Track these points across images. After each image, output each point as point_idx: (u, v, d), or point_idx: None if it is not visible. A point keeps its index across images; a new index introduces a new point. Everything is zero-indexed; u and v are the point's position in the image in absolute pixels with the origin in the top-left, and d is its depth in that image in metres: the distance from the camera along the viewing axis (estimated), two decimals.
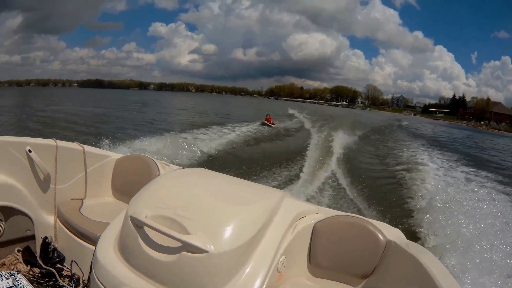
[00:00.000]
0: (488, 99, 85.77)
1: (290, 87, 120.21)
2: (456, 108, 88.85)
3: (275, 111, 32.95)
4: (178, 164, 4.20)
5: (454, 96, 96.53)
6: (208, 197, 1.68)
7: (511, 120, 73.94)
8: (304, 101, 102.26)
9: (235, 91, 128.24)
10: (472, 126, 71.03)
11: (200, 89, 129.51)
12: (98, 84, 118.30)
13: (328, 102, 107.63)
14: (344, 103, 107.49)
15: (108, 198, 3.06)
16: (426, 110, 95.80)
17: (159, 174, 2.71)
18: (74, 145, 2.94)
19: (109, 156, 3.13)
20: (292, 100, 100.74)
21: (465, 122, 77.39)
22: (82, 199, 2.88)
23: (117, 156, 3.15)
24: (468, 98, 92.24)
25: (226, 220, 1.49)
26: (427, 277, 1.45)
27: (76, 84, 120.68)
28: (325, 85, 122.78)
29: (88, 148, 3.00)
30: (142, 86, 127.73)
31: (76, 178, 2.90)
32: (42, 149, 2.68)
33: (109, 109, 32.09)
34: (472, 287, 3.47)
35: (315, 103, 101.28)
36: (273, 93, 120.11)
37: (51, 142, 2.77)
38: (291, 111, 35.26)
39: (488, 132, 60.95)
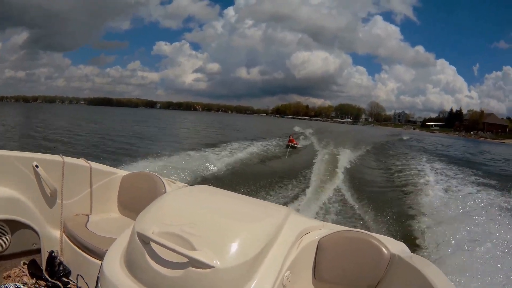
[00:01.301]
0: (482, 111, 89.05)
1: (296, 105, 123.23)
2: (453, 121, 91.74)
3: (283, 128, 35.56)
4: (184, 182, 4.22)
5: (451, 110, 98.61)
6: (214, 214, 1.71)
7: (502, 129, 79.64)
8: (310, 119, 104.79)
9: (241, 110, 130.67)
10: (463, 136, 76.69)
11: (207, 108, 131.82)
12: (106, 102, 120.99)
13: (334, 119, 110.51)
14: (349, 120, 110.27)
15: (114, 214, 3.10)
16: (424, 125, 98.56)
17: (165, 191, 2.76)
18: (81, 161, 2.98)
19: (116, 173, 3.17)
20: (299, 118, 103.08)
21: (457, 133, 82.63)
22: (88, 215, 2.92)
23: (124, 173, 3.19)
24: (465, 111, 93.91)
25: (232, 237, 1.52)
26: None
27: (83, 102, 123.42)
28: (328, 102, 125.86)
29: (94, 164, 3.03)
30: (149, 104, 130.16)
31: (83, 193, 2.94)
32: (49, 165, 2.73)
33: (123, 126, 33.89)
34: None
35: (321, 120, 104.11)
36: (279, 111, 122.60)
37: (58, 158, 2.82)
38: (297, 129, 35.59)
39: (476, 140, 67.61)
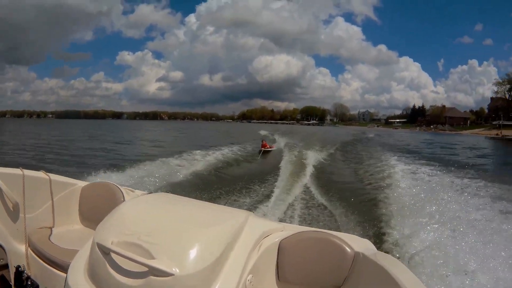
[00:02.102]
0: (443, 105, 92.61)
1: (261, 110, 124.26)
2: (416, 117, 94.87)
3: (251, 132, 36.85)
4: (146, 190, 4.23)
5: (414, 106, 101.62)
6: (172, 221, 1.72)
7: (464, 121, 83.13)
8: (277, 123, 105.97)
9: (206, 117, 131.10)
10: (423, 130, 79.93)
11: (173, 116, 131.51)
12: (74, 115, 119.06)
13: (300, 122, 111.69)
14: (314, 121, 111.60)
15: (77, 225, 3.09)
16: (387, 122, 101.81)
17: (123, 200, 2.75)
18: (40, 174, 2.96)
19: (75, 184, 3.16)
20: (265, 122, 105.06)
21: (418, 128, 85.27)
22: (51, 227, 2.91)
23: (83, 184, 3.18)
24: (432, 106, 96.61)
25: (190, 243, 1.52)
26: (396, 286, 1.46)
27: (51, 116, 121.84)
28: (293, 105, 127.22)
29: (54, 176, 3.02)
30: (116, 115, 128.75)
31: (44, 206, 2.93)
32: (9, 179, 2.70)
33: (93, 138, 33.22)
34: None
35: (287, 123, 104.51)
36: (245, 116, 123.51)
37: (17, 171, 2.80)
38: (263, 132, 36.29)
39: (435, 133, 71.83)
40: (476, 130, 67.52)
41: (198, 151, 16.59)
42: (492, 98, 75.06)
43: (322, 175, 11.97)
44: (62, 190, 3.04)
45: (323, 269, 1.91)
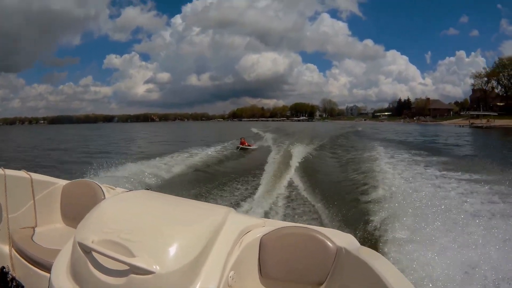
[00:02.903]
0: (427, 98, 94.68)
1: (251, 108, 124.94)
2: (402, 109, 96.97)
3: (243, 129, 37.40)
4: (127, 189, 4.39)
5: (399, 99, 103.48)
6: (152, 219, 1.73)
7: (448, 113, 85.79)
8: (267, 120, 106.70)
9: (197, 117, 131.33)
10: (407, 122, 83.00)
11: (164, 117, 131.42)
12: (66, 120, 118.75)
13: (290, 118, 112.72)
14: (304, 117, 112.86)
15: (59, 224, 3.08)
16: (374, 115, 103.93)
17: (104, 198, 2.77)
18: (21, 173, 2.96)
19: (56, 182, 3.16)
20: (256, 120, 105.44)
21: (402, 120, 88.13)
22: (33, 227, 2.90)
23: (64, 182, 3.18)
24: (419, 98, 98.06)
25: (171, 240, 1.53)
26: (379, 281, 1.47)
27: (43, 122, 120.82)
28: (281, 102, 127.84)
29: (35, 175, 3.03)
30: (107, 119, 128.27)
31: (27, 206, 2.93)
32: None
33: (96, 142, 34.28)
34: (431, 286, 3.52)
35: (278, 120, 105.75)
36: (235, 115, 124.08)
37: None
38: (255, 130, 37.14)
39: (418, 124, 74.78)
40: (454, 120, 70.17)
41: (185, 149, 16.89)
42: (473, 90, 77.16)
43: (307, 170, 11.99)
44: (43, 189, 3.03)
45: (305, 264, 1.92)
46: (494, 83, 72.67)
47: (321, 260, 1.88)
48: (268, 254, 1.95)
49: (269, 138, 26.25)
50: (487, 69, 74.98)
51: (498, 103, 68.00)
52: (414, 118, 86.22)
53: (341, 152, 18.50)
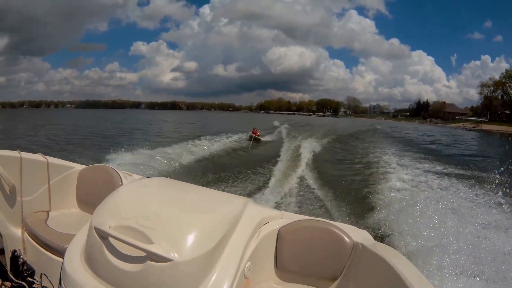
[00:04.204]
0: (444, 102, 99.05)
1: (278, 101, 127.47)
2: (419, 111, 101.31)
3: (267, 123, 39.26)
4: (144, 174, 4.24)
5: (419, 101, 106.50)
6: (170, 206, 1.71)
7: (461, 116, 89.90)
8: (294, 114, 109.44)
9: (223, 107, 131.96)
10: (421, 122, 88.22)
11: (191, 106, 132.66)
12: (94, 104, 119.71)
13: (315, 113, 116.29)
14: (329, 113, 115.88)
15: (73, 209, 3.06)
16: (394, 115, 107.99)
17: (121, 184, 2.75)
18: (38, 157, 2.94)
19: (73, 167, 3.13)
20: (283, 113, 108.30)
21: (417, 121, 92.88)
22: (48, 211, 2.88)
23: (81, 167, 3.15)
24: (444, 100, 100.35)
25: (189, 228, 1.51)
26: (397, 277, 1.46)
27: (69, 106, 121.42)
28: (307, 96, 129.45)
29: (51, 159, 3.00)
30: (134, 105, 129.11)
31: (41, 189, 2.90)
32: (6, 161, 2.67)
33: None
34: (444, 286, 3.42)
35: (304, 114, 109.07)
36: (263, 107, 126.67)
37: (15, 153, 2.77)
38: (276, 123, 37.91)
39: (430, 124, 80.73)
40: (457, 124, 76.94)
41: (204, 137, 17.09)
42: (484, 97, 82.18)
43: (319, 165, 12.14)
44: (59, 173, 3.01)
45: (322, 258, 1.91)
46: (500, 92, 77.70)
47: (337, 255, 1.88)
48: (285, 247, 1.94)
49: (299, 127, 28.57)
50: (494, 79, 79.92)
51: (506, 111, 74.36)
52: (427, 120, 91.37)
53: (356, 149, 18.86)
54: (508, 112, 73.88)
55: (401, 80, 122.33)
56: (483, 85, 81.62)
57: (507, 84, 75.45)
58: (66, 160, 3.22)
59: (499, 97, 78.13)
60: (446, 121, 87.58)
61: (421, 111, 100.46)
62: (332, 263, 1.90)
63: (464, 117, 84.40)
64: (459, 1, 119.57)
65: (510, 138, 28.89)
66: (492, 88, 79.32)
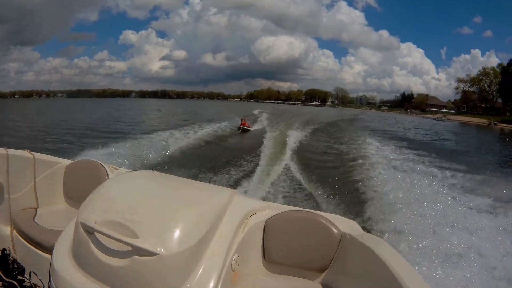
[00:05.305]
0: (426, 94, 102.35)
1: (268, 91, 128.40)
2: (403, 102, 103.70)
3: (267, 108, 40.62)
4: (131, 168, 4.24)
5: (403, 93, 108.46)
6: (156, 200, 1.69)
7: (442, 109, 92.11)
8: (283, 103, 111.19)
9: (213, 96, 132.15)
10: (402, 113, 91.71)
11: (181, 95, 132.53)
12: (84, 93, 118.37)
13: (304, 103, 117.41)
14: (317, 103, 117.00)
15: (61, 205, 3.02)
16: (378, 106, 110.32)
17: (108, 178, 2.70)
18: (24, 153, 2.89)
19: (60, 162, 3.09)
20: (273, 102, 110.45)
21: (398, 111, 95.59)
22: (35, 208, 2.84)
23: (67, 162, 3.11)
24: (434, 93, 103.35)
25: (175, 222, 1.50)
26: (384, 267, 1.47)
27: (60, 95, 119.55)
28: (295, 85, 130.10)
29: (38, 155, 2.94)
30: (124, 94, 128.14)
31: (29, 186, 2.85)
32: None
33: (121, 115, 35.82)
34: (430, 274, 3.47)
35: (293, 104, 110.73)
36: (252, 96, 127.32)
37: (1, 150, 2.72)
38: (256, 112, 38.15)
39: (410, 115, 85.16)
40: (430, 115, 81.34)
41: (189, 126, 16.91)
42: (463, 91, 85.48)
43: (304, 154, 12.13)
44: (46, 169, 2.97)
45: (310, 249, 1.91)
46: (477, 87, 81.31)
47: (325, 245, 1.88)
48: (272, 238, 1.94)
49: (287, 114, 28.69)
50: (470, 75, 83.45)
51: (482, 105, 78.87)
52: (408, 111, 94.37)
53: (337, 137, 19.00)
54: (484, 106, 78.46)
55: (390, 72, 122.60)
56: (459, 81, 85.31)
57: (483, 80, 79.16)
58: (53, 155, 3.20)
59: (476, 91, 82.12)
60: (425, 112, 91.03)
61: (405, 102, 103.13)
62: (320, 254, 1.91)
63: (444, 110, 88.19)
64: None
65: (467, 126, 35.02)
66: (468, 83, 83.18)
